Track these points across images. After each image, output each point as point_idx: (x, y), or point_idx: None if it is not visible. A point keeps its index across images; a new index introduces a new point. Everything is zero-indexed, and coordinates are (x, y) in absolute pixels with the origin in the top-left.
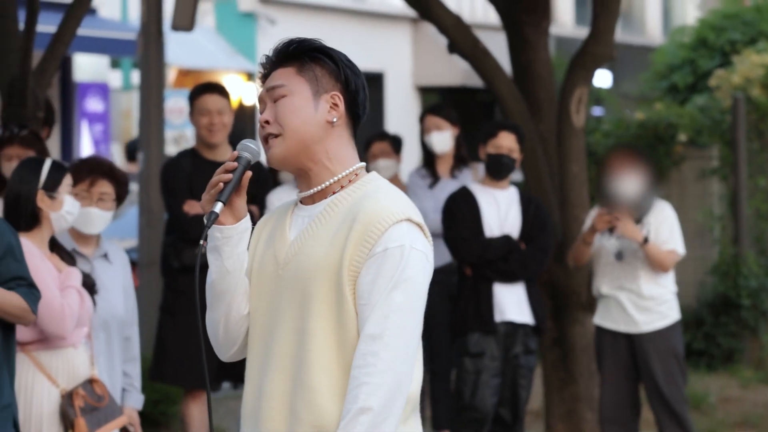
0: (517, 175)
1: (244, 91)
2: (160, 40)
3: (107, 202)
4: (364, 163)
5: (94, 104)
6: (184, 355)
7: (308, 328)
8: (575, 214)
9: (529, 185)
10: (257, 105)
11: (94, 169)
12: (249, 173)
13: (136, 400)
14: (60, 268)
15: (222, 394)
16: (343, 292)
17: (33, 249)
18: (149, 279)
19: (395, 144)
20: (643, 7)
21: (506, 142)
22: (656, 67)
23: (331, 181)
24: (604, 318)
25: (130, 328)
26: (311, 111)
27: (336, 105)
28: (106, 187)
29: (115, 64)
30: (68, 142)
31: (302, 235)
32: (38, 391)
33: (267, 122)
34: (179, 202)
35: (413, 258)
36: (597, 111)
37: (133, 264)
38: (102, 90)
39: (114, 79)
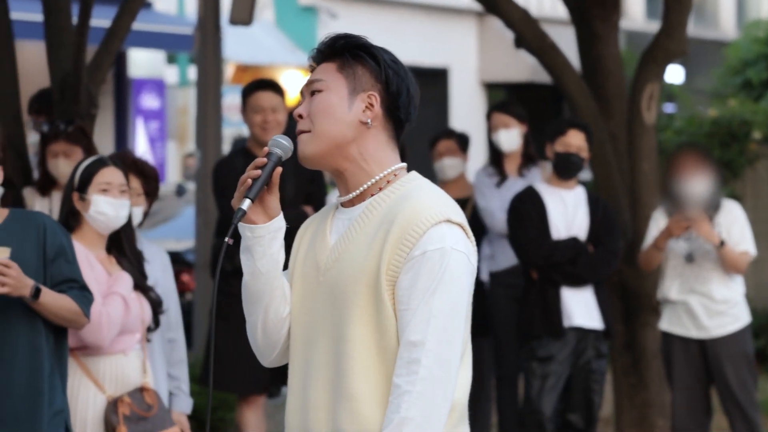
0: (583, 174)
1: None
2: (217, 34)
3: (132, 196)
4: (404, 164)
5: (149, 101)
6: (236, 361)
7: (347, 335)
8: (647, 214)
9: (598, 184)
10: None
11: None
12: (279, 169)
13: (185, 405)
14: (111, 271)
15: (281, 401)
16: (382, 297)
17: (81, 252)
18: (205, 280)
19: (462, 142)
20: (716, 0)
21: (575, 141)
22: (730, 62)
23: (370, 183)
24: (672, 324)
25: (174, 331)
26: (344, 109)
27: (371, 105)
28: (131, 182)
29: (171, 60)
30: (123, 139)
31: (342, 239)
32: (83, 397)
33: (300, 116)
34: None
35: (453, 260)
36: (669, 108)
37: (190, 265)
38: (158, 86)
39: (170, 75)
